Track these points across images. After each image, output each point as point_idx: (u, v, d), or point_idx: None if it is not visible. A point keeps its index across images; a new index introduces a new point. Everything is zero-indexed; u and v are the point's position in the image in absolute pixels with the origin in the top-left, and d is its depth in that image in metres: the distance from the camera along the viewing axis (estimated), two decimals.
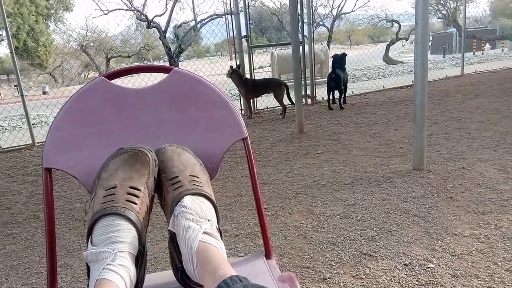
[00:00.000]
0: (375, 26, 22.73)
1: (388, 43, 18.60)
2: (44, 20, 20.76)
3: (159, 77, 0.99)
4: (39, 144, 4.49)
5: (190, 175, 0.78)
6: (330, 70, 5.55)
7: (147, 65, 0.99)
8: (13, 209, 2.66)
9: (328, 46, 16.13)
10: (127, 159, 0.75)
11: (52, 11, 21.39)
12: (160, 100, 0.94)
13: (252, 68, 5.59)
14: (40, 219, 2.45)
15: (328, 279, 1.53)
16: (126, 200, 0.70)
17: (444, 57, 17.67)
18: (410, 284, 1.45)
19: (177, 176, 0.77)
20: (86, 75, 25.91)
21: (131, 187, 0.71)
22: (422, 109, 2.58)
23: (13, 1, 16.78)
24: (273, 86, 5.11)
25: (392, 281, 1.48)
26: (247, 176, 2.88)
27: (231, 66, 5.06)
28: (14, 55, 4.33)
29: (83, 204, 2.66)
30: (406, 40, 20.70)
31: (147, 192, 0.74)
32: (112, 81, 0.94)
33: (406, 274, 1.51)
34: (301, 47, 5.28)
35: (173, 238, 0.72)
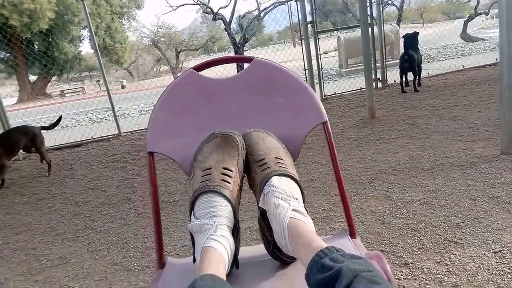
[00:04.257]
0: (450, 1, 20.93)
1: (465, 19, 17.06)
2: (119, 19, 22.27)
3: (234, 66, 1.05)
4: (124, 134, 4.91)
5: (275, 158, 0.83)
6: (401, 51, 5.28)
7: (230, 57, 1.07)
8: (108, 192, 2.98)
9: (399, 25, 15.22)
10: (219, 143, 0.82)
11: (125, 10, 22.86)
12: (244, 88, 1.01)
13: (318, 54, 5.52)
14: (132, 201, 2.71)
15: (411, 264, 1.52)
16: (221, 180, 0.77)
17: None
18: (500, 272, 1.38)
19: (264, 159, 0.82)
20: (158, 69, 27.43)
21: (224, 168, 0.79)
22: (510, 89, 2.37)
23: (91, 1, 18.20)
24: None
25: (480, 268, 1.42)
26: (318, 162, 2.90)
27: None
28: (99, 53, 4.75)
29: (167, 187, 2.88)
30: (486, 15, 18.78)
31: (238, 172, 0.80)
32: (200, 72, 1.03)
33: (496, 262, 1.44)
34: (369, 28, 5.08)
35: (263, 215, 0.78)
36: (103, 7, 19.68)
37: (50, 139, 4.73)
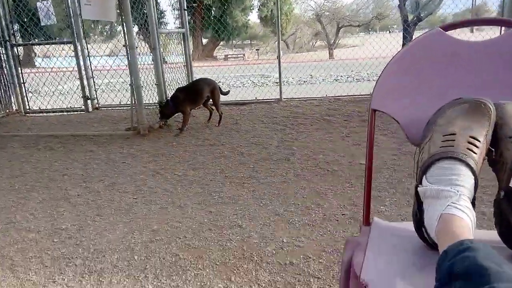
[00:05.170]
0: None
1: None
2: None
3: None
4: (284, 99, 5.12)
5: None
6: None
7: (488, 18, 0.94)
8: (269, 149, 3.16)
9: None
10: (467, 109, 0.75)
11: None
12: (497, 56, 0.88)
13: None
14: (291, 162, 2.82)
15: None
16: (467, 148, 0.71)
17: None
18: None
19: None
20: (314, 44, 27.60)
21: (471, 137, 0.72)
22: None
23: None
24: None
25: None
26: None
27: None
28: (278, 23, 4.95)
29: (325, 155, 2.90)
30: None
31: (485, 144, 0.73)
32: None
33: None
34: None
35: (509, 197, 0.68)
36: None
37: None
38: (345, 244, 0.79)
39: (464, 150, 0.70)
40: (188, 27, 5.02)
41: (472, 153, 0.70)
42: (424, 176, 0.72)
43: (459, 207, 0.65)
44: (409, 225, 0.85)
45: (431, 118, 0.81)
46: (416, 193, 0.73)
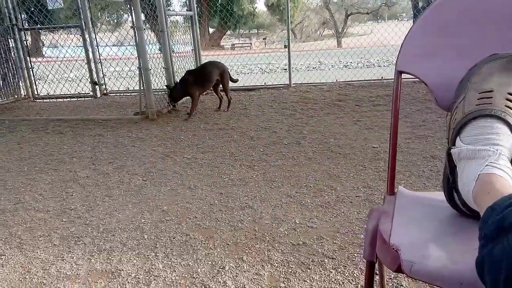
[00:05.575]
0: None
1: None
2: None
3: None
4: (293, 85, 5.05)
5: None
6: None
7: None
8: (279, 134, 3.11)
9: None
10: (505, 64, 0.70)
11: None
12: None
13: None
14: (302, 146, 2.77)
15: None
16: (505, 106, 0.66)
17: None
18: None
19: None
20: (321, 32, 27.26)
21: (509, 93, 0.67)
22: None
23: None
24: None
25: None
26: None
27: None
28: (288, 6, 4.85)
29: (337, 139, 2.84)
30: None
31: None
32: None
33: None
34: None
35: None
36: None
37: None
38: (369, 212, 0.75)
39: (502, 107, 0.65)
40: (196, 10, 4.95)
41: (511, 110, 0.65)
42: (458, 137, 0.67)
43: (498, 167, 0.60)
44: (436, 195, 0.80)
45: (464, 76, 0.76)
46: (448, 156, 0.68)
